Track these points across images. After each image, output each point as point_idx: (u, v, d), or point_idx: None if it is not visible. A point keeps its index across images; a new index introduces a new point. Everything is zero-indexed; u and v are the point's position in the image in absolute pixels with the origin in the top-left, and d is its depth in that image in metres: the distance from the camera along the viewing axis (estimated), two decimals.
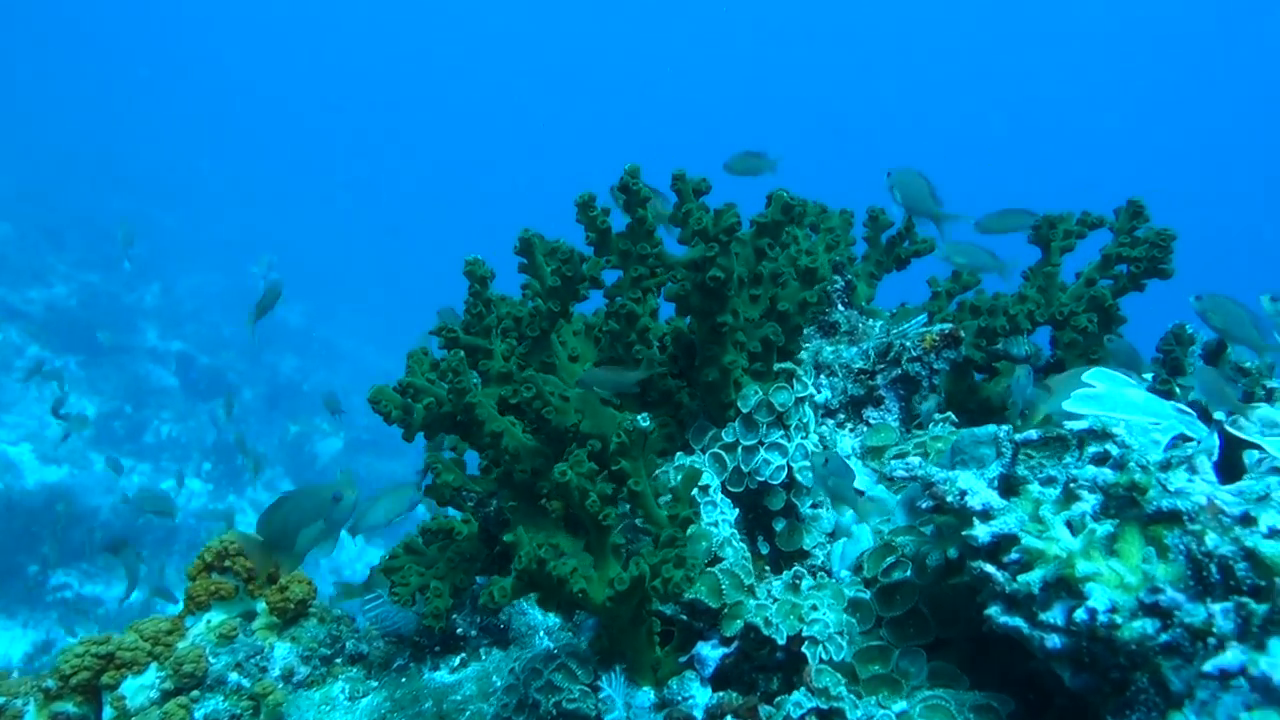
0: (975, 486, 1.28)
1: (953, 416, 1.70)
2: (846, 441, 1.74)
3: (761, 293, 1.58)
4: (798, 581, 1.43)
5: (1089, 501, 1.20)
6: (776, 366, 1.57)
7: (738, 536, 1.48)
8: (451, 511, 1.67)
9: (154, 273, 14.74)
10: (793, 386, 1.55)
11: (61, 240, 13.86)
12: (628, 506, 1.41)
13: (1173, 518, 1.13)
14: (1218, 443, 1.38)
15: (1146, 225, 1.78)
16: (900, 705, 1.28)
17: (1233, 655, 0.91)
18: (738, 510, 1.52)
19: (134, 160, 19.69)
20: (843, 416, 1.77)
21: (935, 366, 1.75)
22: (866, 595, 1.41)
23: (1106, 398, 1.51)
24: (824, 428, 1.74)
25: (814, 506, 1.60)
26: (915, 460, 1.43)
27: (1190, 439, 1.41)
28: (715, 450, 1.54)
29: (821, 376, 1.78)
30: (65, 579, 7.77)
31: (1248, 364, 1.73)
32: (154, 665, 1.49)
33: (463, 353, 1.48)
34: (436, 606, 1.43)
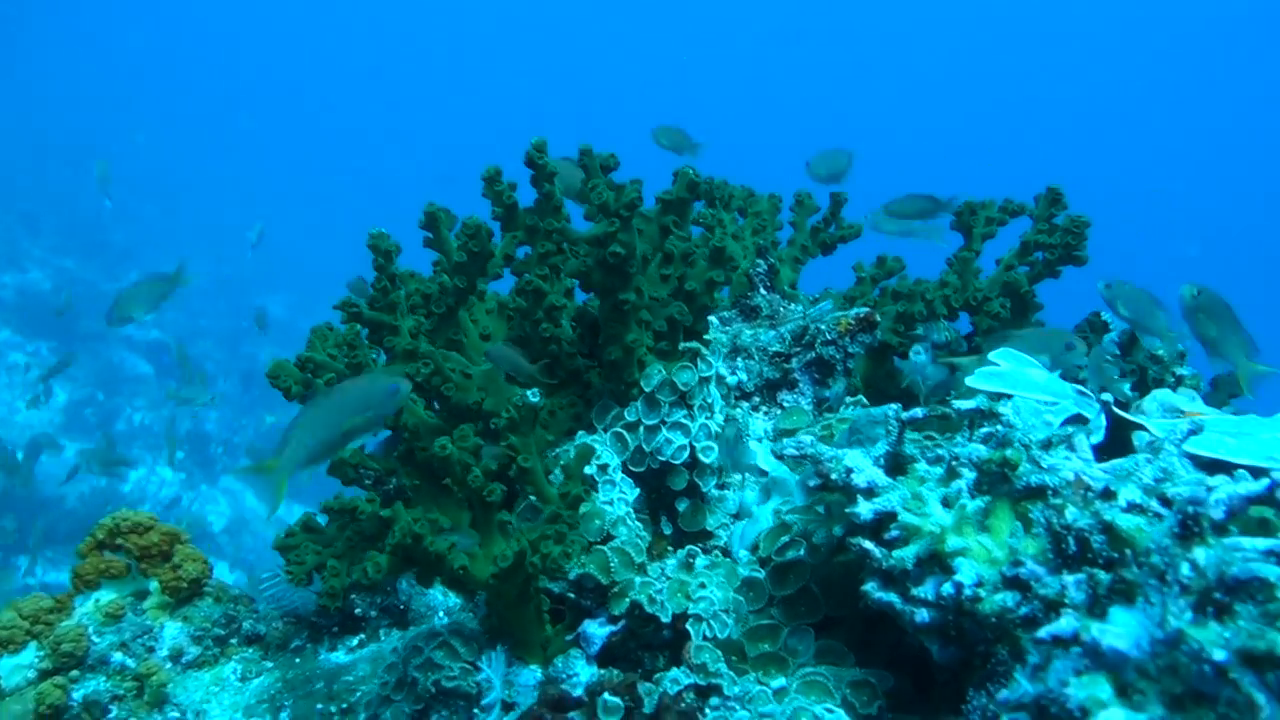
0: (861, 464, 1.27)
1: (864, 400, 1.69)
2: (759, 424, 1.73)
3: (671, 271, 1.57)
4: (691, 560, 1.42)
5: (967, 479, 1.20)
6: (683, 346, 1.56)
7: (634, 515, 1.47)
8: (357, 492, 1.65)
9: (132, 261, 14.65)
10: (697, 366, 1.54)
11: (38, 225, 13.74)
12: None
13: (1041, 493, 1.13)
14: (1104, 422, 1.38)
15: (1064, 213, 1.78)
16: (780, 682, 1.28)
17: (1066, 622, 0.90)
18: (638, 490, 1.51)
19: (114, 148, 19.55)
20: (758, 399, 1.76)
21: (850, 350, 1.74)
22: (761, 574, 1.40)
23: (1009, 376, 1.51)
24: (738, 410, 1.73)
25: (720, 487, 1.60)
26: (807, 439, 1.42)
27: (1086, 419, 1.41)
28: (617, 429, 1.53)
29: (738, 359, 1.77)
30: (20, 561, 7.71)
31: (1160, 352, 1.73)
32: (33, 644, 1.47)
33: (360, 327, 1.47)
34: (333, 586, 1.40)
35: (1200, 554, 0.91)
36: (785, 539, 1.40)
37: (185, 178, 20.62)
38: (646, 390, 1.52)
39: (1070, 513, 1.08)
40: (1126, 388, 1.75)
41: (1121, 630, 0.88)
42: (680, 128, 2.24)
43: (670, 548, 1.55)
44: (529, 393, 1.36)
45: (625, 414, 1.53)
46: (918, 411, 1.31)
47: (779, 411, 1.75)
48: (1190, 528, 0.94)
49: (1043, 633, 0.91)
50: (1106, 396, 1.43)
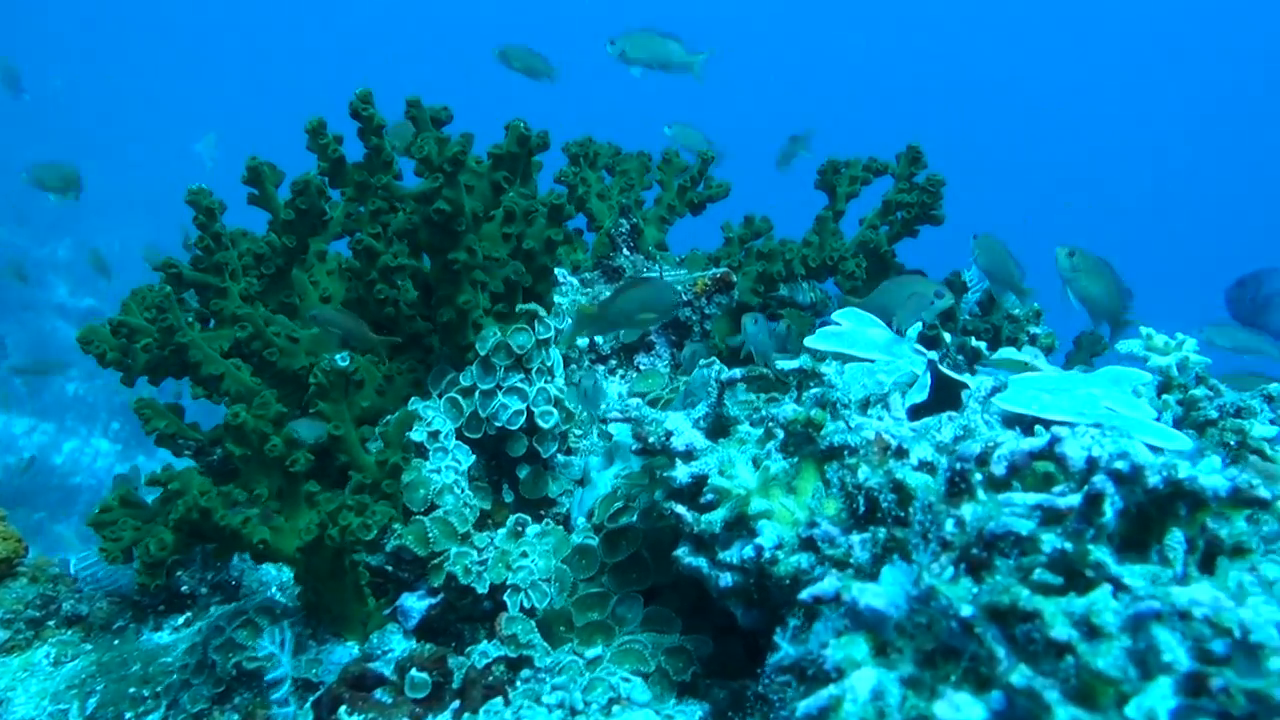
0: (680, 427, 1.23)
1: (718, 361, 1.65)
2: (614, 387, 1.68)
3: (512, 230, 1.51)
4: (520, 529, 1.37)
5: (779, 440, 1.17)
6: (520, 307, 1.51)
7: (467, 483, 1.42)
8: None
9: (67, 227, 14.27)
10: (535, 328, 1.48)
11: None
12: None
13: (844, 453, 1.10)
14: (928, 381, 1.35)
15: (924, 172, 1.74)
16: (596, 650, 1.24)
17: (828, 583, 0.87)
18: (474, 457, 1.46)
19: (54, 109, 18.98)
20: (615, 362, 1.72)
21: (706, 312, 1.69)
22: (594, 542, 1.36)
23: (846, 336, 1.48)
24: (597, 369, 1.68)
25: (566, 452, 1.55)
26: (633, 402, 1.38)
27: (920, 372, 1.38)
28: (452, 395, 1.48)
29: None
30: None
31: (1016, 311, 1.71)
32: None
33: (170, 289, 1.40)
34: (162, 541, 1.32)
35: (967, 510, 0.88)
36: (619, 504, 1.36)
37: (120, 138, 20.07)
38: (481, 353, 1.46)
39: (863, 472, 1.05)
40: (984, 346, 1.73)
41: (881, 590, 0.84)
42: (534, 49, 2.13)
43: (511, 516, 1.50)
44: (339, 356, 1.30)
45: (460, 379, 1.48)
46: (736, 372, 1.27)
47: (635, 374, 1.70)
48: (958, 484, 0.91)
49: (805, 594, 0.88)
50: (933, 354, 1.40)
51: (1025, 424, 1.23)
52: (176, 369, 1.48)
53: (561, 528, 1.40)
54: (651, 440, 1.22)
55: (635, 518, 1.35)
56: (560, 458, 1.53)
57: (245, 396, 1.45)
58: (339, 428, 1.28)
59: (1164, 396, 1.41)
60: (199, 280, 1.52)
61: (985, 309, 1.76)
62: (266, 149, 1.62)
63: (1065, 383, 1.38)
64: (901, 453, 1.07)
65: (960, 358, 1.73)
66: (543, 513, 1.50)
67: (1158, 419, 1.30)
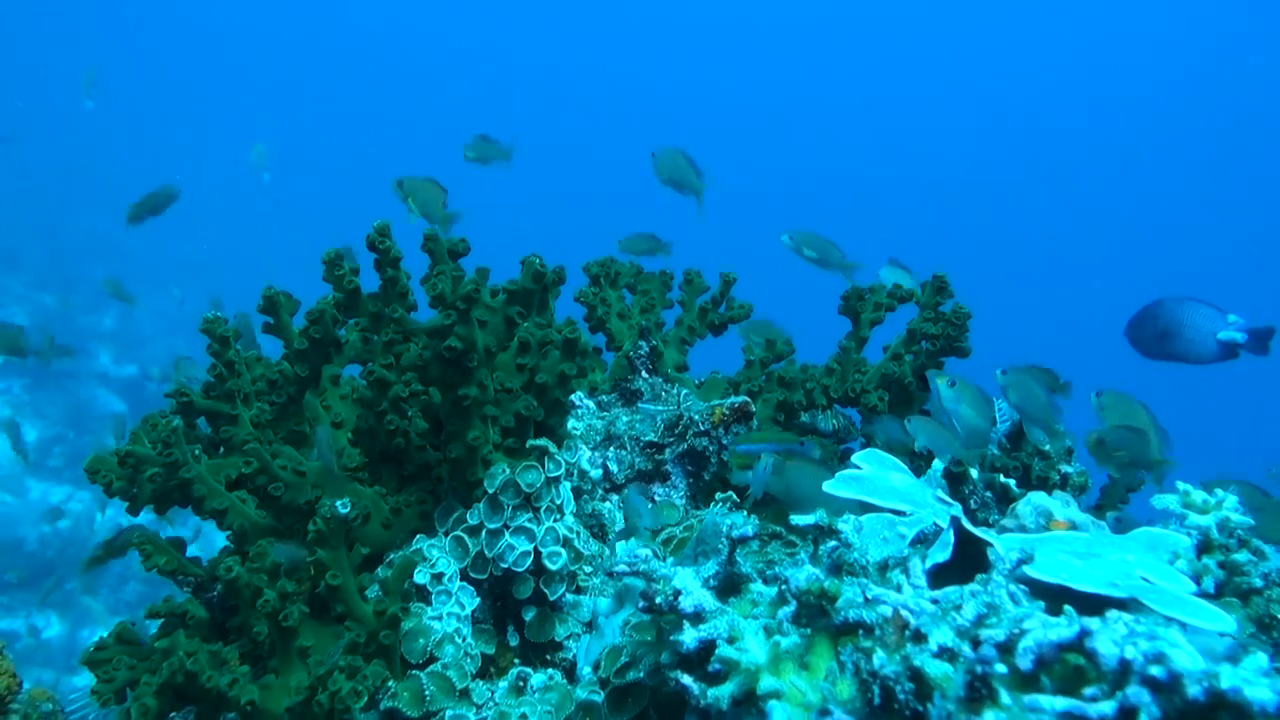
0: (689, 586, 1.18)
1: (734, 496, 1.60)
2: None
3: (527, 361, 1.49)
4: (522, 683, 1.32)
5: (791, 608, 1.12)
6: (531, 443, 1.47)
7: (470, 629, 1.37)
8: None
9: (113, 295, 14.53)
10: (544, 466, 1.45)
11: (18, 260, 13.66)
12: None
13: (860, 630, 1.04)
14: (952, 539, 1.29)
15: (950, 302, 1.70)
16: None
17: None
18: (479, 600, 1.42)
19: (100, 178, 19.49)
20: (630, 492, 1.67)
21: (724, 442, 1.65)
22: (599, 698, 1.31)
23: (866, 482, 1.42)
24: (607, 504, 1.64)
25: (576, 592, 1.50)
26: (642, 552, 1.33)
27: (939, 532, 1.32)
28: (458, 533, 1.44)
29: (610, 449, 1.68)
30: None
31: (1046, 447, 1.65)
32: None
33: (177, 422, 1.38)
34: (144, 706, 1.28)
35: (990, 718, 0.83)
36: (625, 659, 1.31)
37: (185, 211, 20.53)
38: (489, 491, 1.42)
39: (878, 657, 0.99)
40: (1012, 484, 1.67)
41: None
42: (492, 137, 2.12)
43: (517, 660, 1.45)
44: (339, 502, 1.27)
45: (468, 516, 1.44)
46: (748, 529, 1.22)
47: (651, 506, 1.65)
48: (978, 689, 0.85)
49: None
50: (957, 509, 1.35)
51: (1049, 592, 1.17)
52: (182, 500, 1.45)
53: (566, 681, 1.35)
54: (658, 601, 1.18)
55: (643, 673, 1.29)
56: (569, 597, 1.49)
57: (249, 532, 1.42)
58: (336, 577, 1.24)
59: (1203, 559, 1.34)
60: (210, 408, 1.51)
61: (1014, 443, 1.70)
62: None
63: (1097, 545, 1.32)
64: (920, 637, 1.01)
65: (988, 494, 1.67)
66: (549, 657, 1.45)
67: (1198, 590, 1.23)
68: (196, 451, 1.43)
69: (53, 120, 21.58)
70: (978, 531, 1.32)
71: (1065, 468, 1.65)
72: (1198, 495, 1.38)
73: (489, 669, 1.41)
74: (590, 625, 1.48)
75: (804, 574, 1.12)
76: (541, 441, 1.47)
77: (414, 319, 1.47)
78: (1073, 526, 1.49)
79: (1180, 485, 1.40)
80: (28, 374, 11.08)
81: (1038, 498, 1.52)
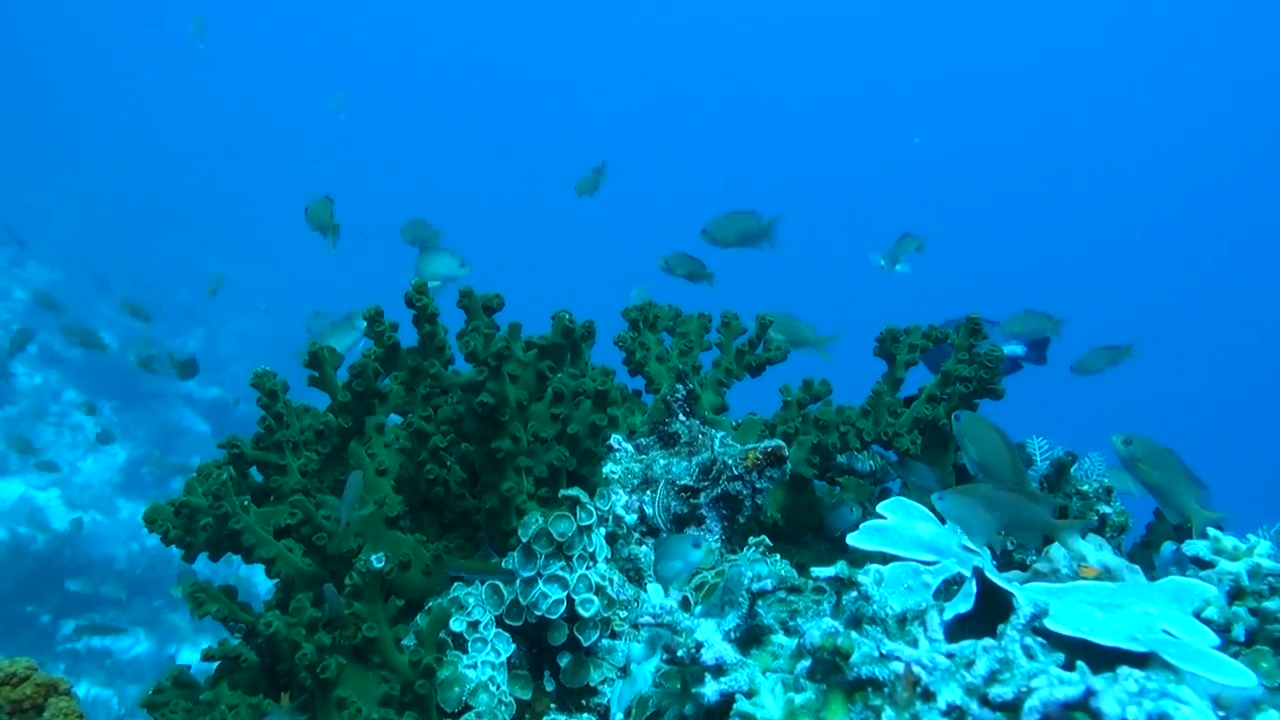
0: (711, 638, 1.21)
1: (766, 540, 1.62)
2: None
3: (561, 411, 1.53)
4: None
5: (808, 662, 1.14)
6: (563, 493, 1.51)
7: (501, 677, 1.41)
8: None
9: (198, 318, 15.03)
10: (576, 515, 1.49)
11: (108, 284, 14.16)
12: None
13: (873, 686, 1.06)
14: (974, 590, 1.29)
15: (985, 343, 1.70)
16: None
17: None
18: (514, 646, 1.46)
19: (187, 204, 20.18)
20: (665, 535, 1.70)
21: (757, 485, 1.67)
22: None
23: (891, 533, 1.43)
24: (644, 548, 1.67)
25: (611, 637, 1.54)
26: (667, 603, 1.36)
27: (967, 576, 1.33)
28: (493, 581, 1.48)
29: (647, 493, 1.72)
30: (78, 623, 7.81)
31: (1085, 487, 1.64)
32: None
33: (228, 474, 1.45)
34: None
35: None
36: (653, 709, 1.34)
37: (268, 234, 21.16)
38: (524, 540, 1.47)
39: (886, 716, 1.01)
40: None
41: None
42: (692, 255, 2.17)
43: (553, 705, 1.49)
44: (374, 557, 1.32)
45: (503, 564, 1.49)
46: (768, 583, 1.24)
47: (686, 549, 1.68)
48: None
49: None
50: (982, 558, 1.35)
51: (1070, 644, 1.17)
52: (234, 548, 1.52)
53: None
54: (680, 654, 1.20)
55: None
56: (604, 642, 1.52)
57: (296, 580, 1.48)
58: (373, 630, 1.30)
59: (1234, 607, 1.32)
60: (260, 459, 1.58)
61: (1052, 484, 1.70)
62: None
63: (1121, 595, 1.31)
64: (929, 695, 1.02)
65: (983, 559, 1.66)
66: (584, 702, 1.48)
67: (1222, 644, 1.22)
68: (246, 502, 1.50)
69: (140, 148, 22.40)
70: (1000, 581, 1.32)
71: (1104, 508, 1.63)
72: (1229, 541, 1.37)
73: (525, 715, 1.45)
74: (624, 670, 1.51)
75: (820, 629, 1.14)
76: (574, 491, 1.51)
77: (451, 373, 1.53)
78: (1105, 571, 1.48)
79: (1211, 531, 1.39)
80: (117, 396, 11.47)
81: (1073, 542, 1.51)
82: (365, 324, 1.57)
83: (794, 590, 1.24)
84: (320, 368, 1.58)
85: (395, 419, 1.74)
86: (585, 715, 1.44)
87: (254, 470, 1.66)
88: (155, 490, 10.17)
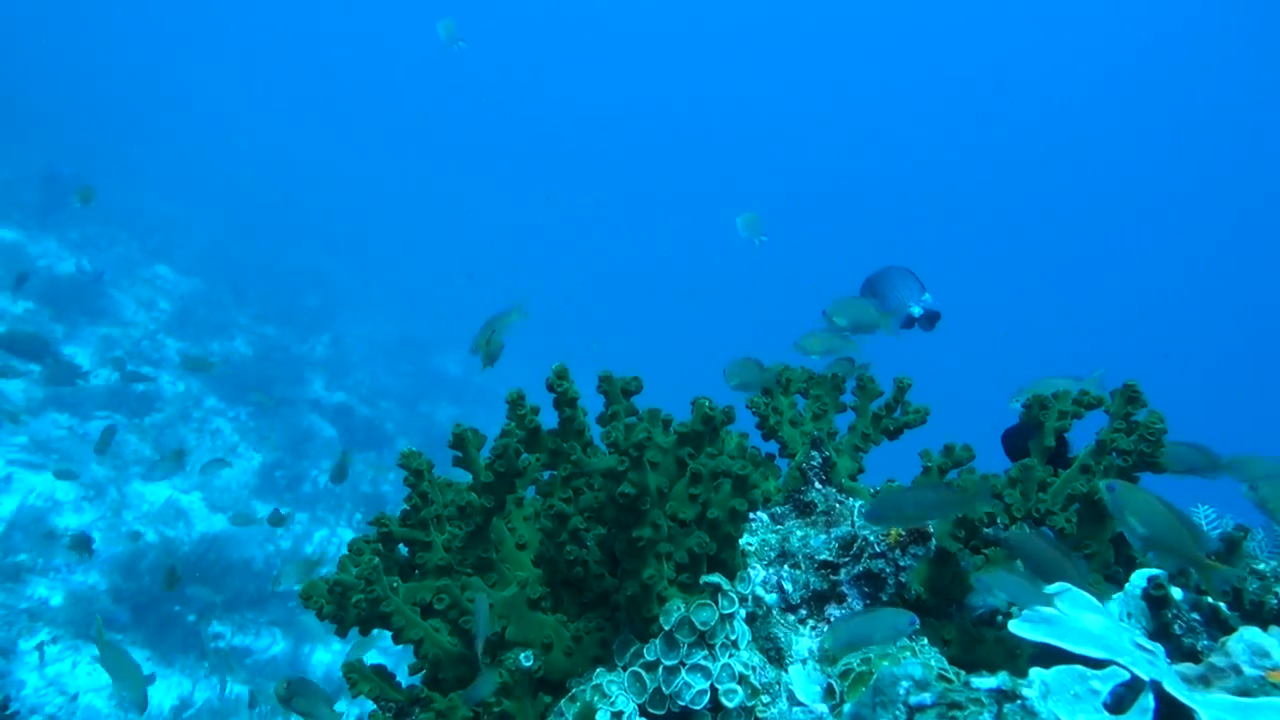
0: None
1: (907, 681, 1.57)
2: (804, 642, 1.64)
3: (699, 492, 1.52)
4: None
5: None
6: (704, 580, 1.50)
7: None
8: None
9: (325, 324, 15.55)
10: (718, 603, 1.47)
11: (244, 293, 14.76)
12: None
13: None
14: (1152, 704, 1.23)
15: (1144, 410, 1.62)
16: None
17: None
18: None
19: (313, 211, 20.89)
20: (805, 612, 1.67)
21: (901, 563, 1.63)
22: None
23: (1057, 625, 1.37)
24: (782, 627, 1.65)
25: None
26: (818, 708, 1.33)
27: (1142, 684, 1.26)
28: (635, 669, 1.48)
29: (785, 567, 1.69)
30: (220, 628, 8.18)
31: (1261, 565, 1.54)
32: None
33: (377, 561, 1.48)
34: None
35: None
36: None
37: (374, 237, 21.79)
38: (665, 628, 1.46)
39: None
40: (1223, 607, 1.57)
41: None
42: (753, 359, 2.11)
43: None
44: (523, 655, 1.33)
45: (645, 651, 1.48)
46: (926, 697, 1.20)
47: (825, 628, 1.65)
48: None
49: None
50: (1157, 657, 1.28)
51: None
52: (383, 625, 1.56)
53: None
54: None
55: None
56: None
57: (443, 660, 1.51)
58: None
59: None
60: (407, 536, 1.62)
61: (1224, 560, 1.60)
62: None
63: None
64: None
65: (1195, 616, 1.57)
66: None
67: None
68: (395, 583, 1.53)
69: (267, 158, 23.27)
70: (1181, 696, 1.25)
71: None
72: None
73: None
74: None
75: None
76: (715, 578, 1.49)
77: (590, 458, 1.53)
78: None
79: None
80: (252, 403, 11.93)
81: (1251, 634, 1.42)
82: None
83: (954, 706, 1.20)
84: (464, 449, 1.61)
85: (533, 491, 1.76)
86: None
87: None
88: (289, 493, 10.58)
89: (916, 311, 1.96)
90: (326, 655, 8.36)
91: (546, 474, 1.70)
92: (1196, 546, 1.37)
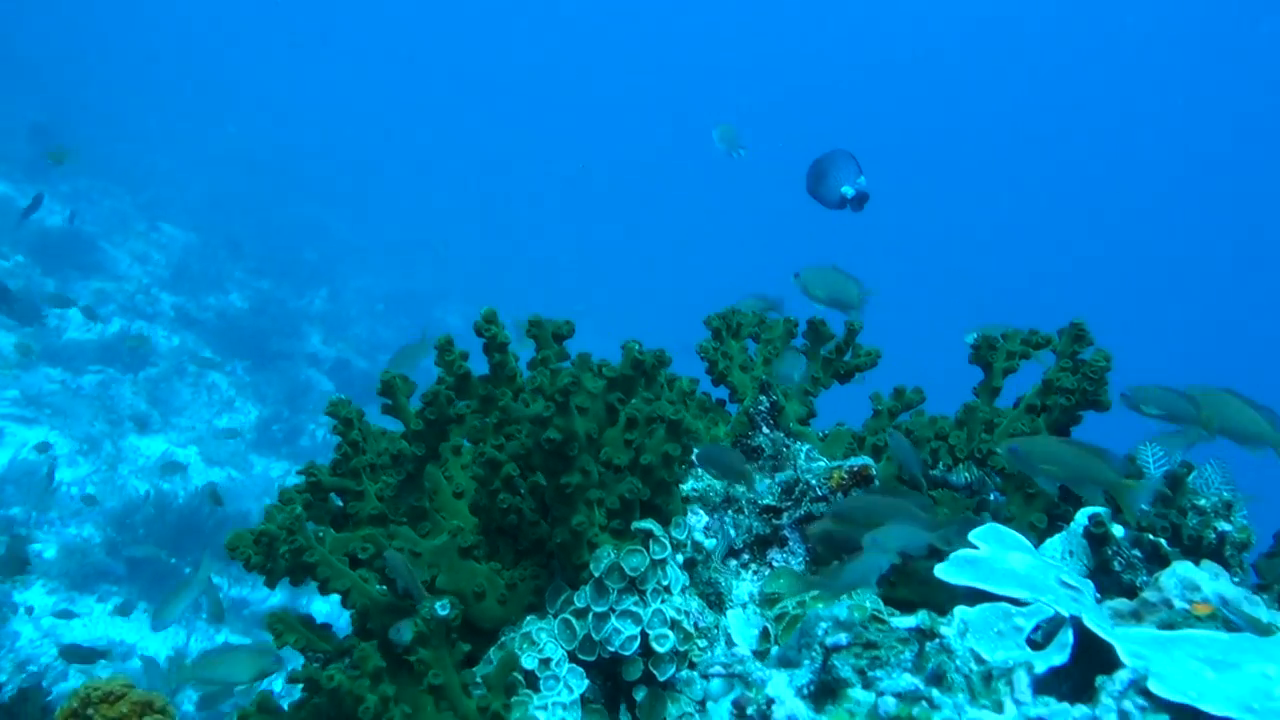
0: (782, 694, 1.17)
1: (825, 622, 1.55)
2: (745, 586, 1.62)
3: (635, 437, 1.49)
4: None
5: None
6: (636, 526, 1.47)
7: (574, 716, 1.39)
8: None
9: (323, 278, 15.49)
10: (650, 548, 1.45)
11: (240, 248, 14.67)
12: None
13: None
14: (1070, 639, 1.20)
15: (1090, 349, 1.57)
16: None
17: None
18: (587, 682, 1.43)
19: (311, 165, 20.73)
20: (747, 557, 1.65)
21: None
22: None
23: (982, 565, 1.35)
24: (723, 571, 1.62)
25: (690, 668, 1.50)
26: (740, 651, 1.31)
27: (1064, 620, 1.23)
28: (566, 615, 1.46)
29: (729, 513, 1.66)
30: (217, 581, 8.21)
31: (1202, 501, 1.51)
32: None
33: (300, 509, 1.46)
34: None
35: None
36: None
37: (372, 190, 21.64)
38: (595, 575, 1.44)
39: None
40: (1163, 543, 1.54)
41: None
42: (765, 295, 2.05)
43: None
44: (439, 604, 1.31)
45: (575, 599, 1.46)
46: (842, 636, 1.18)
47: (768, 572, 1.63)
48: None
49: None
50: (1083, 594, 1.25)
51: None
52: (311, 577, 1.54)
53: None
54: (750, 711, 1.16)
55: None
56: (684, 674, 1.48)
57: (372, 610, 1.49)
58: (438, 676, 1.29)
59: None
60: (337, 485, 1.59)
61: (1166, 499, 1.57)
62: None
63: (1238, 650, 1.20)
64: None
65: (1136, 553, 1.55)
66: None
67: None
68: (322, 532, 1.50)
69: (263, 111, 23.05)
70: (1100, 632, 1.23)
71: (1223, 525, 1.51)
72: None
73: None
74: (702, 705, 1.47)
75: (895, 689, 1.08)
76: (647, 524, 1.47)
77: (520, 403, 1.49)
78: (1223, 603, 1.37)
79: None
80: (249, 357, 11.90)
81: (1183, 569, 1.40)
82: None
83: (870, 646, 1.17)
84: (392, 396, 1.57)
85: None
86: None
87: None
88: (286, 446, 10.60)
89: (849, 193, 2.03)
90: (325, 605, 8.40)
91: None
92: (1109, 469, 1.35)
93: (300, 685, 1.53)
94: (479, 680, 1.36)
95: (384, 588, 1.51)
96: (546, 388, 1.37)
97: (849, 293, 1.76)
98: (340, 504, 1.65)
